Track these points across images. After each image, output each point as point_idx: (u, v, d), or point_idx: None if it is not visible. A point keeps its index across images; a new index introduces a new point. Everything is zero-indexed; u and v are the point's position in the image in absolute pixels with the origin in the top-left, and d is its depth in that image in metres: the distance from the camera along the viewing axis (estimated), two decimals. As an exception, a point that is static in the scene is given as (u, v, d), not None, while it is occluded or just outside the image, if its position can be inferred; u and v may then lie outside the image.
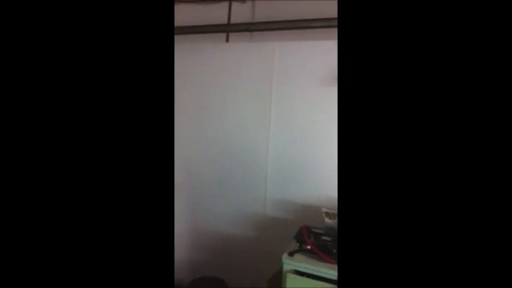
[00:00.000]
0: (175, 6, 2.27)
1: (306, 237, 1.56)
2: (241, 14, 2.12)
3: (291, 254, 1.53)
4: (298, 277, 1.45)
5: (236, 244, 2.27)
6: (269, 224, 2.19)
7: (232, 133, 2.19)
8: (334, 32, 1.93)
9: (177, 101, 2.29)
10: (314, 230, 1.69)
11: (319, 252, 1.49)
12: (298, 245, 1.58)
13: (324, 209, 1.80)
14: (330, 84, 1.98)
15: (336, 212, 1.76)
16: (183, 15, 2.22)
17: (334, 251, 1.50)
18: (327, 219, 1.69)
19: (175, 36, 2.21)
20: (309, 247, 1.54)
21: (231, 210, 2.26)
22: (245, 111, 2.15)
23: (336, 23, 1.90)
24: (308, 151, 2.08)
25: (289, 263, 1.50)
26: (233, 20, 2.12)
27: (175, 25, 2.17)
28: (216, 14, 2.15)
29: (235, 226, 2.26)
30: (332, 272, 1.40)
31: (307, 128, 2.07)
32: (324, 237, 1.60)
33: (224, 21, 2.13)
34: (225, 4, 2.13)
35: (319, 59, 2.00)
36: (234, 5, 2.14)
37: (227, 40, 2.13)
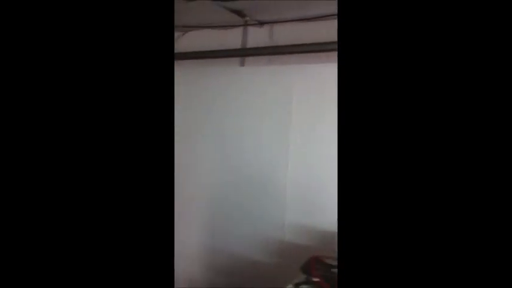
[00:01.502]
0: (193, 32, 2.35)
1: (313, 268, 1.48)
2: (259, 38, 2.13)
3: (296, 286, 1.45)
4: (303, 311, 1.37)
5: (254, 270, 2.21)
6: (288, 250, 2.11)
7: (251, 157, 2.16)
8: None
9: (196, 126, 2.33)
10: (327, 261, 1.60)
11: (325, 286, 1.40)
12: (305, 276, 1.50)
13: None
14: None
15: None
16: (199, 40, 2.28)
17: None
18: (340, 250, 1.60)
19: (192, 61, 2.27)
20: (317, 279, 1.45)
21: (250, 235, 2.21)
22: (263, 136, 2.12)
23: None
24: (329, 176, 2.00)
25: (295, 296, 1.42)
26: (251, 44, 2.14)
27: (192, 50, 2.23)
28: (233, 38, 2.18)
29: (255, 251, 2.20)
30: (338, 309, 1.31)
31: (328, 153, 1.99)
32: (334, 270, 1.50)
33: (240, 45, 2.16)
34: (242, 29, 2.16)
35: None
36: (252, 29, 2.16)
37: (243, 64, 2.14)
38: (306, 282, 1.47)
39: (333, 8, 1.92)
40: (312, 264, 1.51)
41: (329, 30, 1.99)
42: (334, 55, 1.91)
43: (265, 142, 2.13)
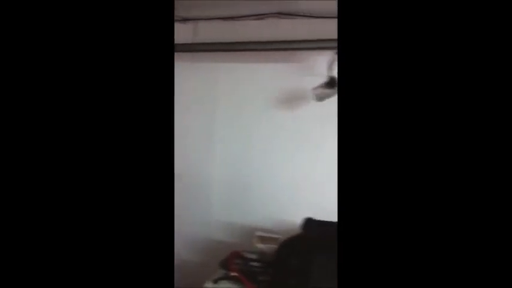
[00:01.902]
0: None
1: (232, 263, 1.51)
2: (182, 34, 2.11)
3: (215, 281, 1.46)
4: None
5: (181, 269, 2.17)
6: (214, 247, 2.12)
7: (176, 156, 2.13)
8: (282, 54, 1.94)
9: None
10: (247, 255, 1.63)
11: (243, 279, 1.43)
12: (223, 271, 1.52)
13: (259, 233, 1.75)
14: (275, 107, 1.97)
15: (274, 236, 1.71)
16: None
17: (260, 278, 1.44)
18: (259, 244, 1.65)
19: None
20: (234, 273, 1.48)
21: (176, 234, 2.17)
22: (188, 133, 2.10)
23: (282, 46, 1.91)
24: (253, 173, 2.05)
25: (213, 291, 1.44)
26: (175, 41, 2.10)
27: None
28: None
29: (181, 250, 2.18)
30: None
31: (253, 150, 2.04)
32: (252, 263, 1.54)
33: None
34: (166, 24, 2.11)
35: (265, 81, 1.99)
36: (176, 25, 2.12)
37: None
38: (224, 278, 1.49)
39: (258, 8, 1.97)
40: (231, 260, 1.53)
41: (254, 30, 2.03)
42: (257, 54, 1.99)
43: (189, 140, 2.12)
